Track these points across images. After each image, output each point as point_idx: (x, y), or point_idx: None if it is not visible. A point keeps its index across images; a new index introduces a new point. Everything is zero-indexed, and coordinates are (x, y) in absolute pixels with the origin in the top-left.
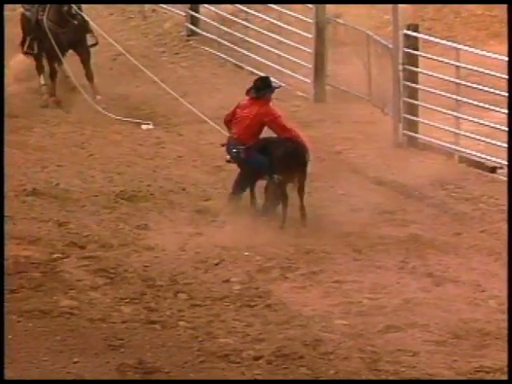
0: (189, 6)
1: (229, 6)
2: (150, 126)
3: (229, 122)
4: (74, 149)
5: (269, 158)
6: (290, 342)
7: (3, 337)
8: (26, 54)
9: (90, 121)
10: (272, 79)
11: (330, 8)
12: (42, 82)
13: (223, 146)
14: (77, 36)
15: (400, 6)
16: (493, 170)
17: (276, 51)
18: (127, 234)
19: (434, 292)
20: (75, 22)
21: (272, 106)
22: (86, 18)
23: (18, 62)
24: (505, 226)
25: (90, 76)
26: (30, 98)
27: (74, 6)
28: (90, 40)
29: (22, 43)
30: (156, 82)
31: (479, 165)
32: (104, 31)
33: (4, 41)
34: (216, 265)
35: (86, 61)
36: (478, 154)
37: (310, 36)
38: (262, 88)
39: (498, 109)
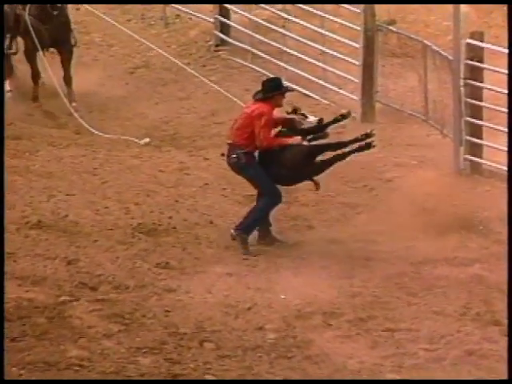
0: (218, 11)
1: (264, 12)
2: (147, 140)
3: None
4: (84, 175)
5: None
6: None
7: (3, 337)
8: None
9: (104, 143)
10: (284, 82)
11: (381, 14)
12: (8, 88)
13: (223, 155)
14: (61, 33)
15: (462, 11)
16: None
17: (318, 63)
18: (146, 274)
19: (502, 343)
20: (61, 18)
21: (277, 111)
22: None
23: None
24: None
25: (68, 79)
26: (34, 118)
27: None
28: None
29: None
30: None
31: None
32: (121, 40)
33: (4, 41)
34: (248, 310)
35: (66, 61)
36: None
37: (357, 46)
38: (270, 90)
39: None
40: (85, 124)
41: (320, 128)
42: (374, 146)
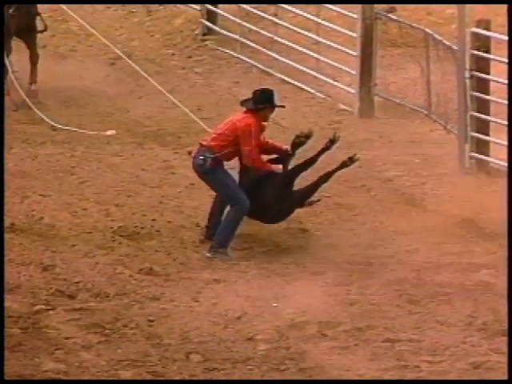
0: None
1: None
2: (112, 131)
3: None
4: (61, 175)
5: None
6: None
7: (3, 337)
8: None
9: (82, 140)
10: (276, 97)
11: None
12: None
13: (190, 153)
14: (28, 21)
15: None
16: None
17: (313, 54)
18: (127, 281)
19: None
20: (29, 7)
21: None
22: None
23: None
24: None
25: (34, 59)
26: (6, 113)
27: None
28: (38, 25)
29: None
30: (163, 92)
31: None
32: (100, 29)
33: (4, 41)
34: (237, 319)
35: (32, 45)
36: None
37: (354, 35)
38: (261, 101)
39: None
40: (40, 114)
41: (312, 161)
42: (357, 160)
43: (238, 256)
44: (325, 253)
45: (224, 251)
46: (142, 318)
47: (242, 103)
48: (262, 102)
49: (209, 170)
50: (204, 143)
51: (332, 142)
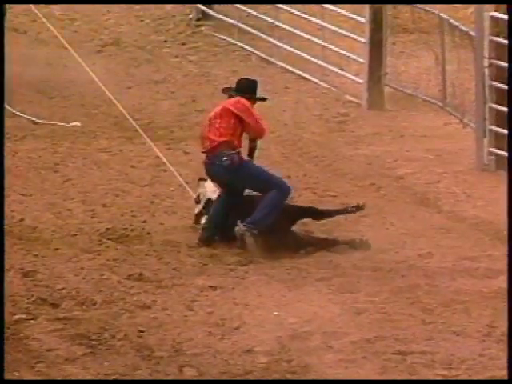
0: None
1: None
2: (77, 123)
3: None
4: (43, 172)
5: None
6: None
7: (3, 337)
8: None
9: (66, 134)
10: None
11: None
12: None
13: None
14: None
15: None
16: None
17: (317, 41)
18: (115, 288)
19: None
20: None
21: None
22: None
23: None
24: None
25: None
26: None
27: None
28: None
29: None
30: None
31: None
32: (85, 13)
33: (4, 40)
34: (235, 329)
35: None
36: None
37: (363, 20)
38: (247, 91)
39: None
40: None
41: (324, 215)
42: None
43: (235, 261)
44: (330, 257)
45: (256, 232)
46: (132, 328)
47: (224, 91)
48: (248, 92)
49: (240, 166)
50: (214, 144)
51: (357, 208)
